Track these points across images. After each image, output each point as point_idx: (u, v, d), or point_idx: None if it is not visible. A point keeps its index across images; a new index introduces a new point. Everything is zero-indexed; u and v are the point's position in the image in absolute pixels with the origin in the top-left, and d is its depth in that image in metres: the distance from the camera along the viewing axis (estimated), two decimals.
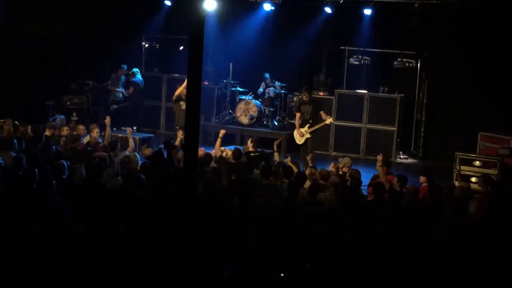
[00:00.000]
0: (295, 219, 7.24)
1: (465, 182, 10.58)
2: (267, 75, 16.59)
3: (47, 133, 11.82)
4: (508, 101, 14.69)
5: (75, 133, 11.93)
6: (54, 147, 10.16)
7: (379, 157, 10.24)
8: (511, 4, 13.11)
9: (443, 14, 14.79)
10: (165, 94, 17.54)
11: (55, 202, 6.95)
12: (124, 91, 16.91)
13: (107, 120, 12.06)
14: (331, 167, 11.02)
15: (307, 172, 10.20)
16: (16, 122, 11.96)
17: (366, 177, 10.67)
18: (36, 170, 7.92)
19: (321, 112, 13.09)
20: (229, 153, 11.45)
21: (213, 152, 11.26)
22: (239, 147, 12.61)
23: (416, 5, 14.24)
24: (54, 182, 7.74)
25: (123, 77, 17.00)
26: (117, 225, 6.50)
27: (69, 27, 16.64)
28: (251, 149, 12.01)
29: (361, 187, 9.74)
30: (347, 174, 10.13)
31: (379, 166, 10.10)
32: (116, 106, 16.77)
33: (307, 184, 9.38)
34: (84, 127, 12.42)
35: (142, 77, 17.01)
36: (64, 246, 6.07)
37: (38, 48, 15.88)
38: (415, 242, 6.93)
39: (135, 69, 16.95)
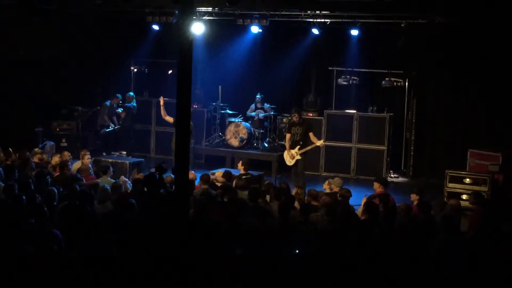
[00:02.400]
0: (289, 240, 7.23)
1: (455, 199, 10.59)
2: (258, 96, 16.62)
3: (36, 159, 11.78)
4: (497, 117, 14.79)
5: (61, 159, 11.88)
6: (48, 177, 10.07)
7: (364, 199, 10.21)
8: (496, 23, 13.23)
9: (429, 34, 14.91)
10: (155, 118, 17.55)
11: (48, 229, 6.89)
12: (111, 123, 16.99)
13: None
14: (325, 186, 11.02)
15: (293, 192, 10.19)
16: (10, 149, 11.93)
17: (357, 197, 10.70)
18: (24, 197, 7.86)
19: (311, 134, 13.08)
20: (220, 175, 11.45)
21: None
22: (229, 169, 12.59)
23: (402, 25, 14.34)
24: (45, 209, 7.68)
25: (115, 105, 17.04)
26: (109, 250, 6.46)
27: (58, 53, 16.67)
28: (242, 171, 12.01)
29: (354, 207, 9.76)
30: (338, 194, 10.14)
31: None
32: (106, 130, 16.79)
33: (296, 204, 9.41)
34: (69, 153, 12.39)
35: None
36: (57, 273, 6.03)
37: (27, 74, 15.88)
38: (408, 261, 6.92)
39: (131, 93, 16.99)
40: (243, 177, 11.34)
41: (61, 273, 6.03)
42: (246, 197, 9.50)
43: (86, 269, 6.10)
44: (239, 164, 12.35)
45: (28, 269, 6.06)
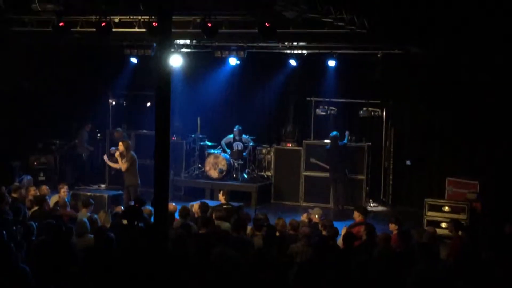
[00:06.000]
0: (269, 272, 7.19)
1: (430, 227, 10.63)
2: (236, 128, 16.61)
3: (14, 195, 11.63)
4: (473, 145, 14.92)
5: (39, 193, 11.73)
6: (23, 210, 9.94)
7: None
8: (471, 54, 13.42)
9: (406, 64, 15.08)
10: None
11: (22, 267, 6.75)
12: (89, 147, 17.01)
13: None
14: (303, 218, 10.99)
15: (275, 222, 10.14)
16: None
17: (337, 227, 10.65)
18: (5, 232, 7.75)
19: None
20: (196, 207, 11.34)
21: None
22: (206, 201, 12.47)
23: (379, 56, 14.54)
24: (25, 244, 7.58)
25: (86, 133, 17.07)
26: (88, 285, 6.39)
27: (35, 86, 16.61)
28: (222, 201, 11.95)
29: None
30: (320, 225, 10.11)
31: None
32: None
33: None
34: (47, 187, 12.28)
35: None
36: None
37: (3, 107, 15.79)
38: None
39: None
40: (224, 206, 11.29)
41: None
42: (228, 228, 9.45)
43: None
44: (220, 194, 12.28)
45: None
